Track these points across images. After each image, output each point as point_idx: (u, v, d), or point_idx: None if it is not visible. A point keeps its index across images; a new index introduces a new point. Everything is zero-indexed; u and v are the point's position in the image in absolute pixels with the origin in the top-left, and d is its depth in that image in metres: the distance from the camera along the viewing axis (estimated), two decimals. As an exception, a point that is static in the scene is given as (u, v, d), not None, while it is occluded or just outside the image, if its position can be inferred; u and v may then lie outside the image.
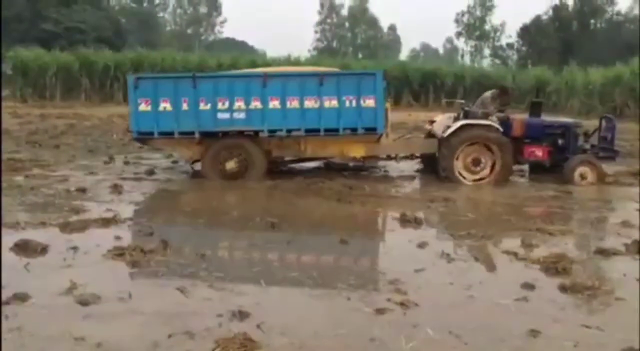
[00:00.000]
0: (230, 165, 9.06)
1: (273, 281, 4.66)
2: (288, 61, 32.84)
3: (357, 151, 9.53)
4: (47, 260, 5.00)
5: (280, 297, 4.37)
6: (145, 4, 66.05)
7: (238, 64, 29.96)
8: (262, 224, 6.37)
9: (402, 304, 4.11)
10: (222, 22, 72.09)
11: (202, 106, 8.86)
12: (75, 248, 5.30)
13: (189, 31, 70.53)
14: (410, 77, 32.26)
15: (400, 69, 32.82)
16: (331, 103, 8.92)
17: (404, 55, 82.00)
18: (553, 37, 51.25)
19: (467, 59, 66.68)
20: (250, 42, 69.08)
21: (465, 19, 66.83)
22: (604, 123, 10.01)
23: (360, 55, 66.75)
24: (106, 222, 6.24)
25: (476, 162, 9.31)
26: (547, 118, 10.33)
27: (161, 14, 70.11)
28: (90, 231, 5.96)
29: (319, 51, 67.25)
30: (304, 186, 8.80)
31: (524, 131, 9.78)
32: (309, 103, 8.91)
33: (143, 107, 8.86)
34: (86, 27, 42.81)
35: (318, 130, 8.98)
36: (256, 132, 9.07)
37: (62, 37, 41.13)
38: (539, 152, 9.71)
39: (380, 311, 4.00)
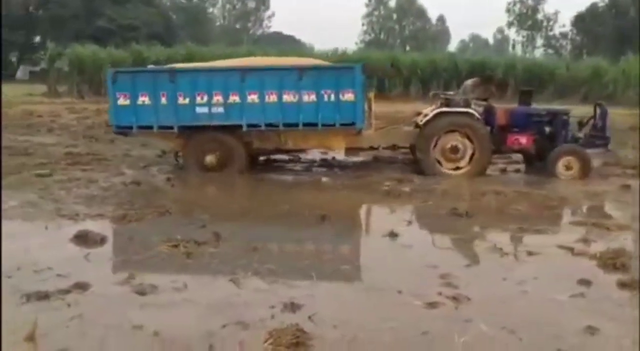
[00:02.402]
0: (210, 158, 9.07)
1: (324, 274, 4.68)
2: (335, 54, 32.76)
3: (337, 143, 9.45)
4: (106, 251, 5.18)
5: (331, 290, 4.39)
6: (195, 0, 67.05)
7: (285, 57, 30.07)
8: (312, 218, 6.40)
9: (453, 298, 4.08)
10: (270, 17, 72.68)
11: (180, 100, 8.85)
12: (131, 239, 5.47)
13: (238, 26, 71.30)
14: (459, 68, 31.72)
15: (449, 60, 32.35)
16: (310, 97, 8.81)
17: (452, 46, 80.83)
18: (609, 26, 49.47)
19: (518, 49, 65.16)
20: (298, 36, 69.32)
21: (517, 8, 65.22)
22: (598, 110, 9.63)
23: (408, 47, 66.11)
24: (160, 214, 6.40)
25: (454, 150, 9.12)
26: (537, 106, 10.03)
27: (210, 10, 71.12)
28: (146, 222, 6.13)
29: (367, 44, 66.91)
30: (352, 180, 8.80)
31: (509, 120, 9.54)
32: (288, 98, 8.82)
33: (122, 101, 8.89)
34: (139, 23, 43.83)
35: (297, 125, 8.91)
36: (237, 126, 9.01)
37: (116, 34, 42.24)
38: (522, 140, 9.43)
39: (431, 305, 3.97)
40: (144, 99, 8.88)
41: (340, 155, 10.38)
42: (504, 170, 10.00)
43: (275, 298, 4.04)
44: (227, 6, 71.75)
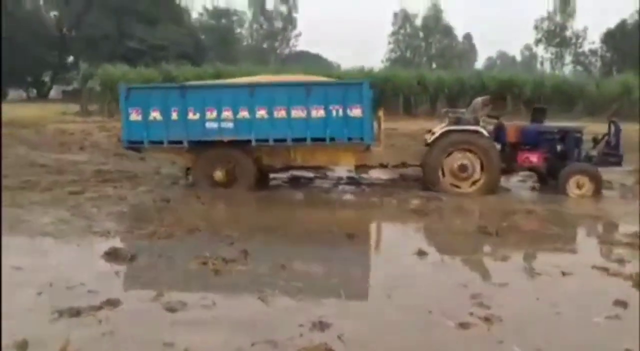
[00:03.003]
0: (219, 174, 9.12)
1: (352, 292, 4.66)
2: (362, 72, 32.83)
3: (347, 160, 9.45)
4: (136, 268, 5.23)
5: (359, 309, 4.35)
6: (223, 21, 68.09)
7: (312, 76, 30.27)
8: (340, 236, 6.37)
9: (485, 319, 4.00)
10: (297, 36, 73.18)
11: (190, 116, 8.96)
12: (161, 256, 5.51)
13: (265, 45, 72.03)
14: (486, 86, 31.49)
15: (476, 78, 32.13)
16: (318, 112, 8.85)
17: (479, 64, 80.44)
18: (639, 42, 48.74)
19: (547, 67, 64.54)
20: (324, 55, 69.83)
21: (545, 25, 64.69)
22: (612, 128, 9.43)
23: (434, 65, 65.97)
24: (190, 231, 6.44)
25: (462, 168, 9.00)
26: (548, 124, 9.86)
27: (238, 30, 72.01)
28: (175, 239, 6.17)
29: (393, 62, 66.99)
30: (379, 197, 8.76)
31: (520, 137, 9.42)
32: (296, 113, 8.87)
33: (134, 116, 9.05)
34: (168, 43, 44.60)
35: (305, 140, 8.93)
36: (246, 141, 9.05)
37: (146, 54, 43.03)
38: (533, 158, 9.30)
39: (463, 325, 3.91)
40: (155, 115, 9.02)
41: (371, 173, 10.34)
42: (533, 188, 9.86)
43: (304, 317, 4.01)
44: (255, 26, 72.62)
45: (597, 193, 8.90)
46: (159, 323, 3.96)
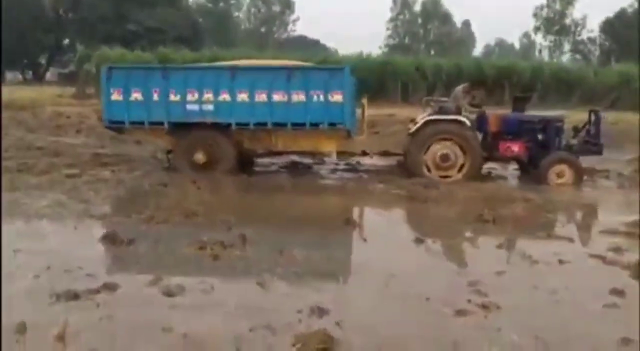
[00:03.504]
0: (199, 156, 9.11)
1: (350, 278, 4.67)
2: (360, 58, 32.67)
3: (328, 146, 9.45)
4: (134, 252, 5.21)
5: (357, 295, 4.35)
6: (221, 4, 67.53)
7: (310, 61, 30.10)
8: (337, 221, 6.38)
9: (483, 306, 4.02)
10: (295, 21, 72.71)
11: (172, 97, 8.98)
12: (159, 241, 5.50)
13: (263, 30, 71.55)
14: (484, 73, 31.38)
15: (475, 65, 32.02)
16: (299, 97, 8.86)
17: (478, 51, 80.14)
18: (638, 31, 48.60)
19: (545, 55, 64.34)
20: (322, 40, 69.36)
21: (544, 12, 64.35)
22: (592, 117, 9.50)
23: (432, 52, 65.72)
24: (187, 216, 6.43)
25: (445, 158, 9.02)
26: (530, 113, 9.92)
27: (236, 14, 71.50)
28: (173, 224, 6.16)
29: (391, 48, 66.68)
30: (377, 184, 8.76)
31: (501, 126, 9.45)
32: (277, 97, 8.89)
33: (115, 96, 9.05)
34: (166, 27, 44.25)
35: (286, 124, 8.93)
36: (226, 124, 9.05)
37: (144, 37, 42.71)
38: (514, 148, 9.33)
39: (460, 312, 3.92)
40: (136, 95, 9.03)
41: (369, 159, 10.34)
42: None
43: (302, 303, 4.01)
44: (253, 10, 72.11)
45: (577, 181, 8.97)
46: (157, 307, 3.96)
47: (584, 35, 62.24)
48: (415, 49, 66.78)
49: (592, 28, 60.34)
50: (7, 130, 14.01)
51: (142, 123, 9.11)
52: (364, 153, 9.89)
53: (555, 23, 63.80)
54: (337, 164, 10.81)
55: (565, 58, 60.98)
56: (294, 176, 9.74)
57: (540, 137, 9.35)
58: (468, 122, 9.10)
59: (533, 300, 4.25)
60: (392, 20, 71.64)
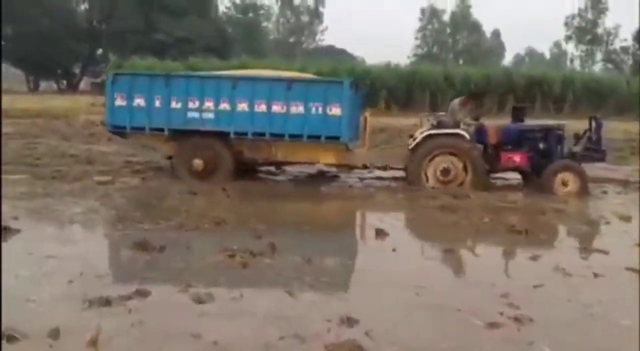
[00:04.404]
0: (197, 163, 9.14)
1: (380, 288, 4.62)
2: (388, 68, 32.65)
3: (327, 158, 9.45)
4: (164, 259, 5.25)
5: (387, 305, 4.31)
6: (250, 14, 68.23)
7: (337, 71, 30.18)
8: (367, 231, 6.35)
9: (515, 319, 3.94)
10: (323, 31, 73.03)
11: (173, 104, 9.06)
12: (189, 248, 5.55)
13: (291, 39, 72.04)
14: (514, 83, 31.06)
15: (505, 75, 31.70)
16: (298, 109, 8.88)
17: (507, 60, 79.35)
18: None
19: (576, 64, 63.40)
20: (350, 50, 69.52)
21: (575, 22, 63.51)
22: (593, 124, 9.31)
23: (461, 61, 65.31)
24: (217, 224, 6.47)
25: (445, 172, 8.92)
26: (529, 122, 9.77)
27: (265, 24, 72.10)
28: (202, 231, 6.21)
29: (419, 57, 66.47)
30: (406, 193, 8.72)
31: (501, 138, 9.32)
32: (276, 108, 8.92)
33: (119, 101, 9.17)
34: (195, 37, 44.87)
35: (284, 135, 8.94)
36: (226, 133, 9.07)
37: (173, 47, 43.37)
38: (516, 158, 9.20)
39: (492, 325, 3.85)
40: (139, 101, 9.14)
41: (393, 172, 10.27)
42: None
43: (331, 312, 3.99)
44: (281, 20, 72.67)
45: (582, 189, 8.83)
46: (187, 314, 3.97)
47: (617, 45, 61.26)
48: (444, 58, 66.39)
49: (625, 37, 59.23)
50: (42, 139, 14.36)
51: (143, 129, 9.23)
52: (364, 167, 9.87)
53: (587, 32, 62.86)
54: (364, 173, 10.76)
55: (598, 68, 60.08)
56: (322, 184, 9.74)
57: (541, 146, 9.24)
58: (467, 135, 9.02)
59: (566, 313, 4.16)
60: (420, 29, 71.43)
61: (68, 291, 4.32)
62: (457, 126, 9.13)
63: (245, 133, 9.06)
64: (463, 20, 70.61)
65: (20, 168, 9.95)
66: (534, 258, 5.46)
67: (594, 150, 9.21)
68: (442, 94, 30.25)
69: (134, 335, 3.62)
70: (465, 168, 8.94)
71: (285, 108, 8.92)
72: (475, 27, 72.14)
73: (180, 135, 9.26)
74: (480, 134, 9.37)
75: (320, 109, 8.88)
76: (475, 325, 3.89)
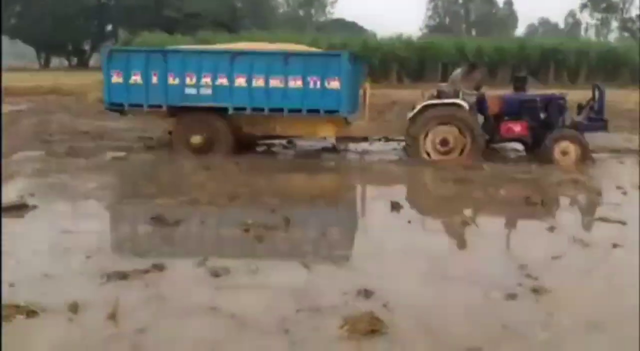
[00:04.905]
0: (196, 139, 9.06)
1: (396, 260, 4.61)
2: (399, 40, 32.23)
3: (327, 131, 9.37)
4: (180, 233, 5.26)
5: (404, 277, 4.29)
6: (258, -13, 67.47)
7: (349, 44, 29.85)
8: (382, 204, 6.31)
9: (534, 290, 3.92)
10: (333, 3, 72.21)
11: (170, 80, 8.94)
12: (204, 222, 5.55)
13: (301, 13, 71.33)
14: (528, 54, 30.57)
15: (518, 46, 31.19)
16: (296, 83, 8.78)
17: (520, 31, 78.07)
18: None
19: (591, 34, 62.32)
20: (360, 23, 68.77)
21: (591, -11, 62.24)
22: (596, 92, 9.16)
23: (474, 32, 64.40)
24: (231, 198, 6.45)
25: (444, 142, 8.83)
26: (530, 92, 9.60)
27: (274, -3, 71.34)
28: (216, 206, 6.20)
29: (431, 29, 65.63)
30: (421, 166, 8.65)
31: (501, 108, 9.21)
32: (274, 83, 8.81)
33: (115, 78, 9.04)
34: (204, 12, 44.49)
35: (282, 110, 8.85)
36: (224, 108, 8.99)
37: (183, 22, 43.07)
38: (516, 128, 9.10)
39: (511, 296, 3.83)
40: (136, 78, 9.02)
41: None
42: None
43: (348, 284, 3.98)
44: (291, -8, 71.93)
45: (583, 159, 8.76)
46: (203, 287, 3.99)
47: (633, 12, 60.02)
48: (456, 29, 65.49)
49: (642, 5, 57.95)
50: (54, 115, 14.39)
51: (141, 105, 9.16)
52: (364, 139, 9.80)
53: (602, 0, 61.61)
54: (379, 145, 10.67)
55: (613, 36, 58.99)
56: (335, 158, 9.69)
57: (542, 116, 9.12)
58: (466, 105, 8.91)
59: (586, 284, 4.13)
60: (432, 0, 70.40)
61: (86, 265, 4.35)
62: (457, 96, 9.05)
63: (244, 109, 8.98)
64: (475, -10, 69.43)
65: (35, 144, 9.99)
66: (551, 229, 5.40)
67: (596, 119, 9.11)
68: (455, 66, 29.80)
69: (152, 308, 3.63)
70: (464, 139, 8.87)
71: (283, 82, 8.83)
72: (488, -3, 70.92)
73: (178, 110, 9.19)
74: (480, 104, 9.28)
75: (318, 83, 8.79)
76: (493, 296, 3.87)
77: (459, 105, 8.89)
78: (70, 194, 6.79)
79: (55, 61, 53.79)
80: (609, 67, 29.73)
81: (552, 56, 30.47)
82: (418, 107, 9.02)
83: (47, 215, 5.72)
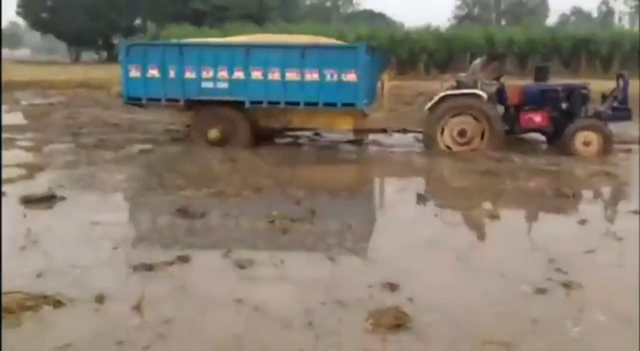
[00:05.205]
0: (214, 133, 9.04)
1: (421, 253, 4.55)
2: (427, 31, 31.87)
3: (345, 123, 9.29)
4: (205, 225, 5.27)
5: (430, 270, 4.24)
6: (286, -21, 67.38)
7: (376, 36, 29.61)
8: (410, 196, 6.24)
9: (564, 285, 3.82)
10: (360, -6, 71.70)
11: (187, 74, 8.95)
12: (229, 214, 5.56)
13: (328, 4, 71.05)
14: (559, 44, 29.95)
15: (550, 36, 30.56)
16: (312, 76, 8.72)
17: (551, 20, 76.46)
18: None
19: (625, 22, 60.77)
20: (388, 14, 68.26)
21: (625, -23, 60.62)
22: (620, 82, 8.90)
23: (503, 22, 63.36)
24: (256, 190, 6.45)
25: (462, 133, 8.69)
26: (552, 82, 9.34)
27: (301, -12, 71.14)
28: (242, 198, 6.19)
29: (460, 19, 64.75)
30: (449, 158, 8.54)
31: (522, 98, 9.01)
32: (291, 76, 8.76)
33: (133, 73, 9.09)
34: (231, 4, 44.62)
35: (299, 103, 8.78)
36: (241, 102, 8.94)
37: (211, 15, 43.27)
38: (537, 118, 8.91)
39: (540, 291, 3.74)
40: (153, 72, 9.07)
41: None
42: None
43: (373, 278, 3.94)
44: (318, -16, 71.67)
45: (606, 150, 8.56)
46: (228, 279, 3.98)
47: (669, 0, 58.34)
48: (486, 19, 64.48)
49: (679, -9, 56.29)
50: (84, 108, 14.60)
51: (158, 99, 9.21)
52: (383, 131, 9.71)
53: (637, -12, 60.01)
54: (403, 136, 10.57)
55: (648, 25, 57.36)
56: (361, 150, 9.63)
57: (563, 106, 8.89)
58: (485, 95, 8.77)
59: (618, 279, 4.01)
60: (461, -10, 69.36)
61: (112, 257, 4.38)
62: (475, 87, 8.89)
63: (260, 102, 8.96)
64: (505, -21, 68.22)
65: (65, 137, 10.14)
66: (582, 222, 5.28)
67: (620, 108, 8.90)
68: (505, 54, 29.30)
69: (177, 300, 3.64)
70: (482, 129, 8.72)
71: (299, 75, 8.80)
72: (518, -14, 69.62)
73: (195, 104, 9.21)
74: (500, 95, 9.15)
75: (335, 76, 8.73)
76: (522, 290, 3.79)
77: (477, 96, 8.77)
78: (98, 186, 6.86)
79: (85, 55, 54.54)
80: (643, 56, 28.92)
81: (584, 46, 29.80)
82: (436, 97, 8.91)
83: (75, 206, 5.78)
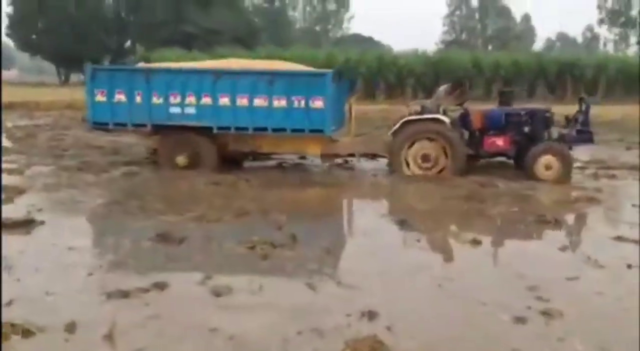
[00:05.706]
0: (181, 159, 9.01)
1: (402, 281, 4.50)
2: (415, 55, 32.21)
3: (313, 149, 9.33)
4: (185, 250, 5.20)
5: (409, 298, 4.19)
6: (276, 3, 68.06)
7: (365, 59, 29.85)
8: (390, 222, 6.22)
9: (544, 313, 3.79)
10: (350, 18, 72.49)
11: (154, 100, 8.88)
12: (209, 239, 5.49)
13: (317, 28, 71.71)
14: (545, 69, 30.35)
15: (535, 60, 30.99)
16: (280, 102, 8.72)
17: (538, 45, 77.64)
18: None
19: (610, 48, 61.81)
20: (377, 38, 68.98)
21: (609, 4, 61.83)
22: (582, 105, 9.07)
23: (490, 47, 64.21)
24: (238, 215, 6.39)
25: (425, 157, 8.79)
26: (516, 106, 9.46)
27: (291, 12, 71.83)
28: (224, 223, 6.13)
29: (447, 44, 65.53)
30: (432, 183, 8.53)
31: (484, 122, 9.10)
32: (259, 102, 8.75)
33: (99, 97, 8.98)
34: (222, 27, 44.94)
35: (266, 129, 8.80)
36: (209, 128, 8.92)
37: (201, 38, 43.51)
38: (499, 142, 8.97)
39: (519, 319, 3.70)
40: (120, 97, 8.98)
41: None
42: (595, 175, 9.36)
43: (352, 306, 3.89)
44: (307, 8, 72.30)
45: (566, 174, 8.66)
46: (205, 307, 3.91)
47: (652, 27, 59.38)
48: (473, 44, 65.35)
49: (661, 19, 57.32)
50: (70, 130, 14.52)
51: (125, 125, 9.11)
52: (350, 156, 9.73)
53: (621, 15, 61.16)
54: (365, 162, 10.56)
55: (632, 51, 58.35)
56: (345, 173, 9.60)
57: (526, 129, 8.99)
58: (447, 120, 8.88)
59: (598, 307, 3.98)
60: (448, 15, 70.45)
61: (87, 283, 4.30)
62: (436, 112, 9.00)
63: (228, 128, 8.93)
64: (492, 5, 69.36)
65: (47, 160, 10.05)
66: (564, 248, 5.27)
67: (583, 131, 9.01)
68: (471, 81, 29.72)
69: (150, 328, 3.57)
70: (445, 153, 8.79)
71: (267, 101, 8.78)
72: (505, 12, 70.81)
73: (163, 129, 9.13)
74: (464, 119, 9.26)
75: (302, 102, 8.74)
76: (501, 319, 3.75)
77: (439, 121, 8.84)
78: (78, 210, 6.78)
79: (74, 76, 54.52)
80: (627, 82, 29.38)
81: (569, 70, 30.24)
82: (399, 123, 8.98)
83: (54, 231, 5.70)
